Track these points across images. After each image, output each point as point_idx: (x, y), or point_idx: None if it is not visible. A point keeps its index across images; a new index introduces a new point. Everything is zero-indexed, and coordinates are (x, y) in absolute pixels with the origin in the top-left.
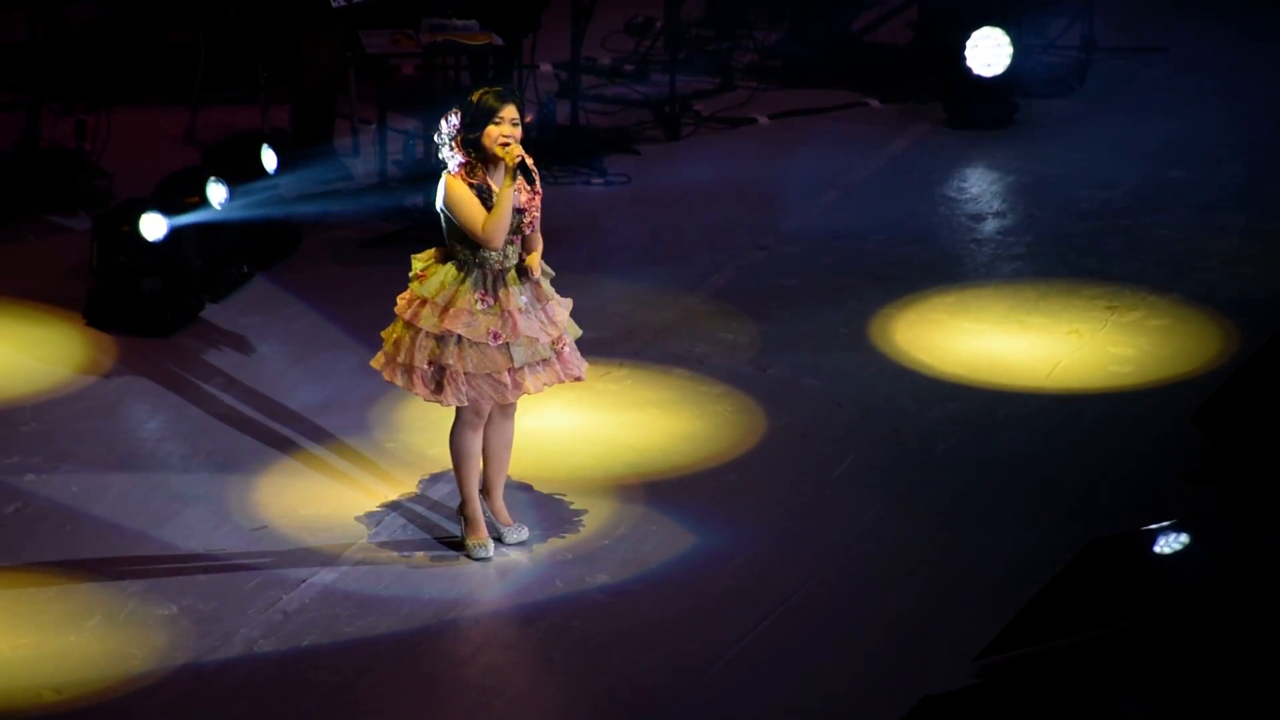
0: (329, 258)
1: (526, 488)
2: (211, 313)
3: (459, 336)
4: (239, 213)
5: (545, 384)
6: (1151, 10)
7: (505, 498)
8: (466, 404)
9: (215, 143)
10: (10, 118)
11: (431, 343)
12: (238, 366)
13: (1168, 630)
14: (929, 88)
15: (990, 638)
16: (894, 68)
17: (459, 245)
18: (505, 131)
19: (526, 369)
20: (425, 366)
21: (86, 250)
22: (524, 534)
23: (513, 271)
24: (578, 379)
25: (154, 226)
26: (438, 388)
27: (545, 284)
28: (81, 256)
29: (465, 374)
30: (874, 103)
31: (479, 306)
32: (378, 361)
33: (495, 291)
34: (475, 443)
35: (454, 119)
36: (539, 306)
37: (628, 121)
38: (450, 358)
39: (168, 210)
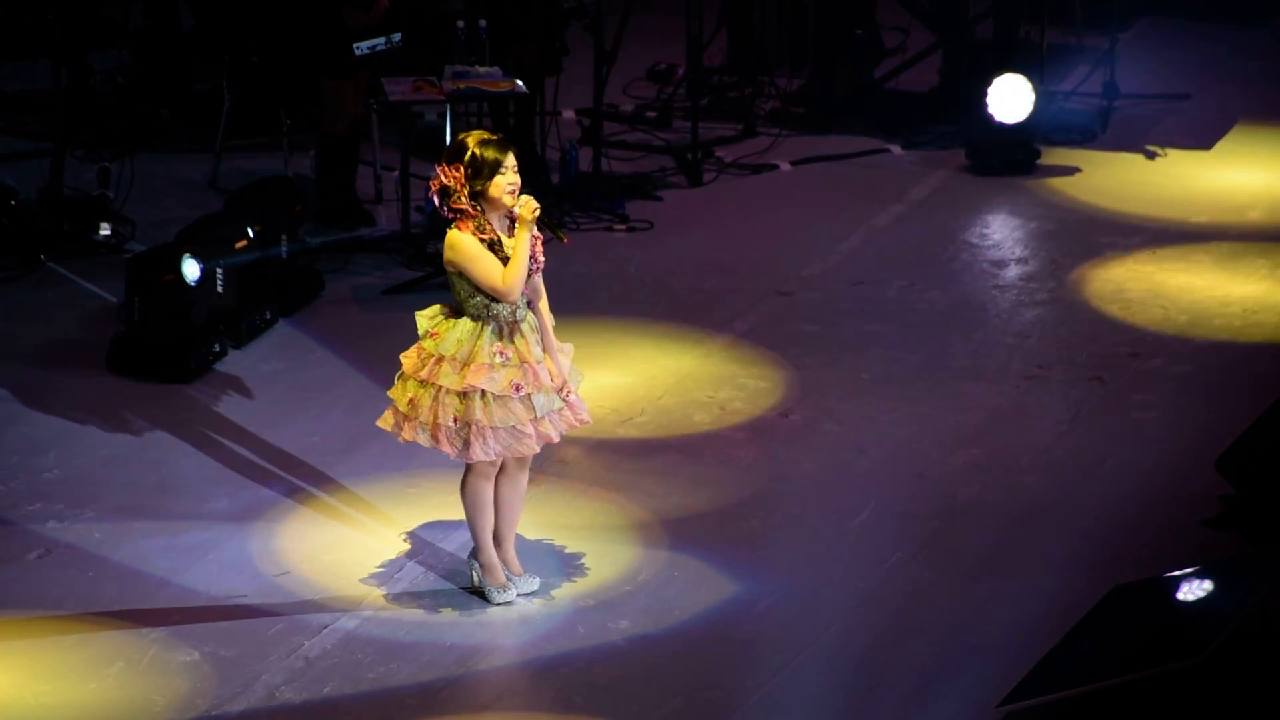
0: (351, 304)
1: (548, 533)
2: (234, 358)
3: (483, 391)
4: (270, 256)
5: (560, 431)
6: (1174, 58)
7: (524, 544)
8: (494, 458)
9: (238, 189)
10: (34, 165)
11: (455, 400)
12: (260, 412)
13: (1190, 677)
14: (951, 134)
15: (1012, 685)
16: (916, 114)
17: (471, 300)
18: (511, 180)
19: (546, 418)
20: (451, 424)
21: (110, 296)
22: (535, 584)
23: (527, 322)
24: (585, 423)
25: (189, 271)
26: (465, 445)
27: (551, 333)
28: (104, 303)
29: (491, 428)
30: (896, 149)
31: (498, 360)
32: (386, 422)
33: (512, 343)
34: (487, 492)
35: (449, 172)
36: (549, 355)
37: (650, 168)
38: (477, 413)
39: (201, 255)
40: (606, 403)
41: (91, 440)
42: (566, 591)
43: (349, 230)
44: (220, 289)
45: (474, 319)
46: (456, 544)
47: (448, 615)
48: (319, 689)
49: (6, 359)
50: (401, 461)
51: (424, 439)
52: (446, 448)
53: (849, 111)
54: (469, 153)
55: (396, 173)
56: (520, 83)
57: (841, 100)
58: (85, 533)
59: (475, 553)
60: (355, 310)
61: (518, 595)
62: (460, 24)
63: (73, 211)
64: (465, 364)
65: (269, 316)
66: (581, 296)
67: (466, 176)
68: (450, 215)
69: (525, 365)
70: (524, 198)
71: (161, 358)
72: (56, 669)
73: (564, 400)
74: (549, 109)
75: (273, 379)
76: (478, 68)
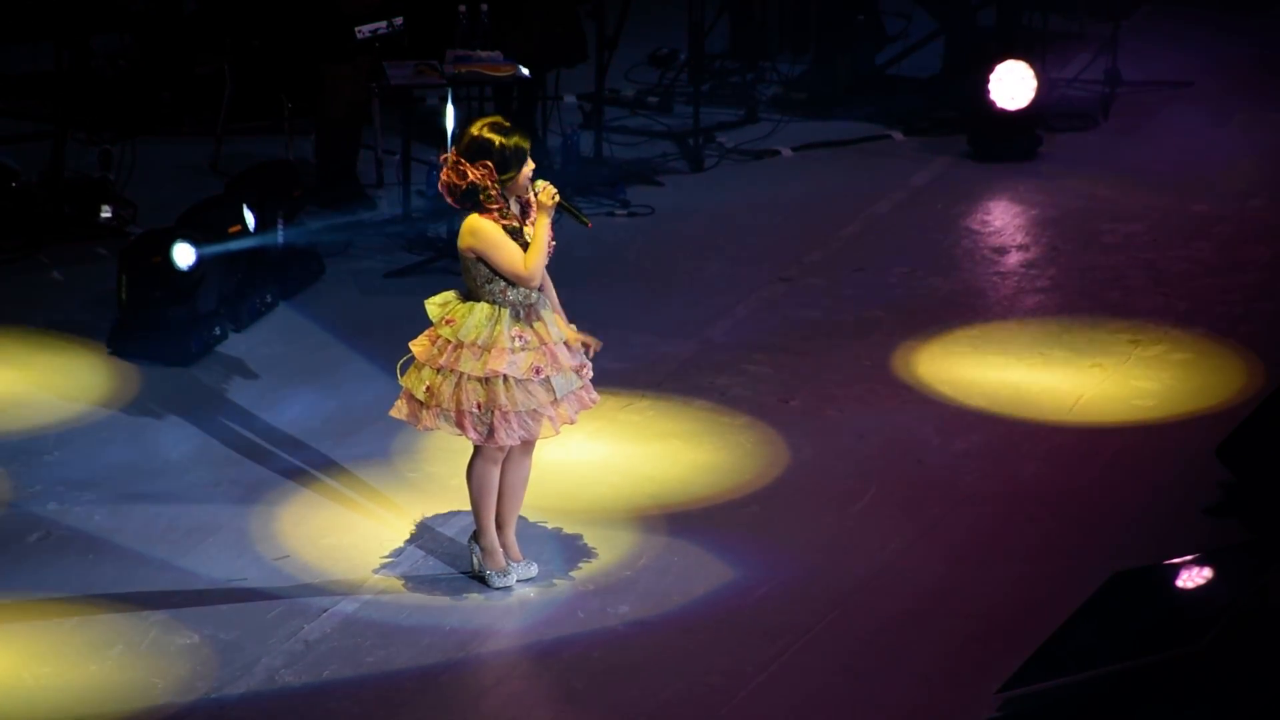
0: (352, 288)
1: (549, 518)
2: (235, 342)
3: (505, 377)
4: (267, 240)
5: (576, 412)
6: (1176, 45)
7: (524, 529)
8: (519, 442)
9: (239, 172)
10: (36, 147)
11: (477, 385)
12: (260, 396)
13: (1190, 664)
14: (953, 120)
15: (1012, 670)
16: (918, 100)
17: (487, 285)
18: (532, 165)
19: (564, 400)
20: (475, 410)
21: (110, 280)
22: (533, 570)
23: (542, 303)
24: (595, 401)
25: (184, 256)
26: (489, 430)
27: (562, 315)
28: (105, 286)
29: (515, 413)
30: (897, 135)
31: (517, 344)
32: (400, 411)
33: (531, 326)
34: (495, 476)
35: (475, 162)
36: (567, 328)
37: (651, 153)
38: (501, 398)
39: (195, 240)
40: (607, 388)
41: (92, 423)
42: (566, 577)
43: (350, 214)
44: (213, 273)
45: (491, 304)
46: (457, 528)
47: (448, 599)
48: (319, 672)
49: (7, 341)
50: (403, 444)
51: (447, 426)
52: (472, 434)
53: (851, 97)
54: (495, 149)
55: (398, 156)
56: (523, 68)
57: (843, 86)
58: (85, 515)
59: (477, 536)
60: (356, 294)
61: (517, 581)
62: (462, 8)
63: (74, 194)
64: (486, 350)
65: (270, 300)
66: (582, 281)
67: (496, 173)
68: (467, 207)
69: (544, 347)
70: (541, 183)
71: (162, 341)
72: (56, 651)
73: (582, 379)
74: (550, 94)
75: (273, 362)
76: (479, 52)
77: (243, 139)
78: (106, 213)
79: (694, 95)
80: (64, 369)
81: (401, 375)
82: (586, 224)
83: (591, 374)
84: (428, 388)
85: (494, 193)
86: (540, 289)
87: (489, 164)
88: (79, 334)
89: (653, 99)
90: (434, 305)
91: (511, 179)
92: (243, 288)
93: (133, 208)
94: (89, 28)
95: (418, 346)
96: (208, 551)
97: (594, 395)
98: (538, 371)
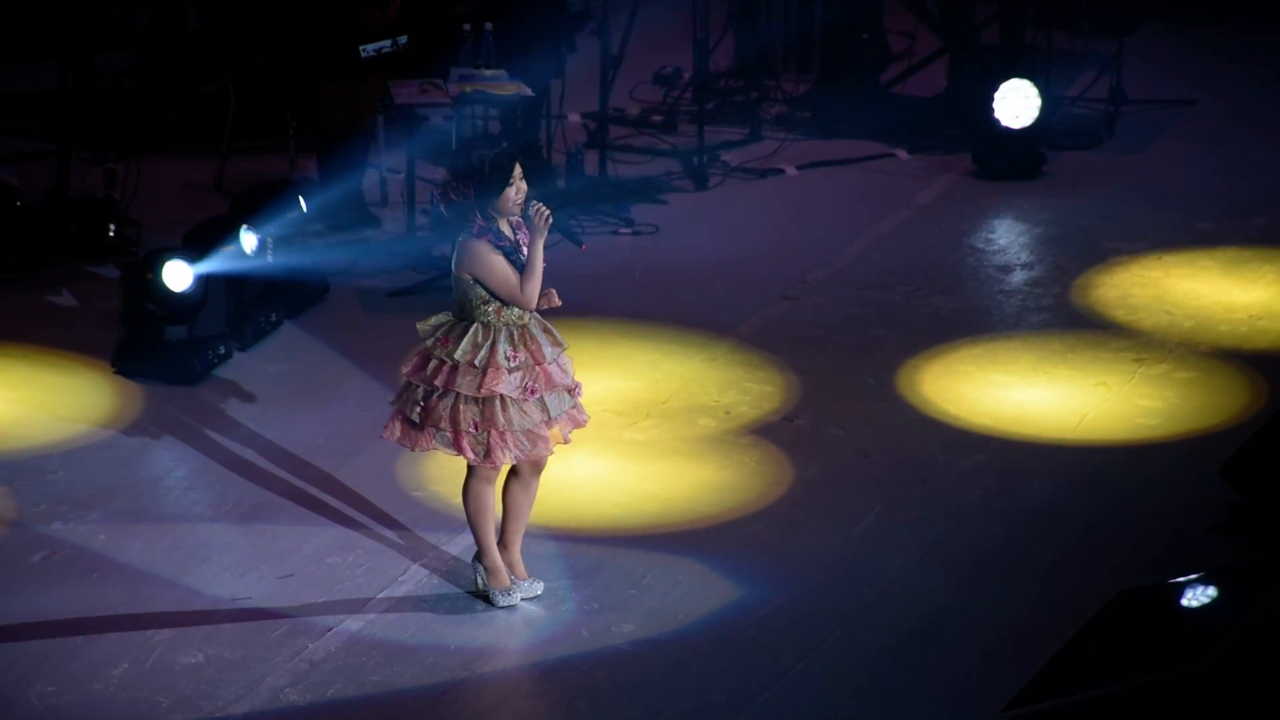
0: (357, 306)
1: (553, 537)
2: (239, 361)
3: (501, 397)
4: (267, 261)
5: (570, 432)
6: (1180, 63)
7: (529, 547)
8: (513, 462)
9: (243, 191)
10: (40, 166)
11: (474, 406)
12: (265, 415)
13: (1195, 683)
14: (957, 139)
15: (1017, 689)
16: (922, 119)
17: (484, 306)
18: (519, 189)
19: (557, 420)
20: (472, 430)
21: (115, 298)
22: (538, 588)
23: (535, 323)
24: (585, 421)
25: (179, 275)
26: (486, 450)
27: (556, 333)
28: (110, 305)
29: (510, 433)
30: (902, 154)
31: (511, 364)
32: (392, 433)
33: (524, 347)
34: (489, 495)
35: (459, 184)
36: (557, 354)
37: (656, 172)
38: (498, 419)
39: (195, 259)
40: (611, 407)
41: (97, 442)
42: (571, 595)
43: (354, 233)
44: (216, 292)
45: (485, 324)
46: (461, 547)
47: (452, 618)
48: (323, 691)
49: (13, 360)
50: (407, 464)
51: (444, 447)
52: (469, 454)
53: (855, 116)
54: (476, 168)
55: (402, 175)
56: (526, 87)
57: (847, 105)
58: (90, 534)
59: (479, 556)
60: (360, 313)
61: (521, 599)
62: (466, 26)
63: (79, 213)
64: (483, 371)
65: (274, 319)
66: (586, 301)
67: (476, 192)
68: (460, 224)
69: (537, 367)
70: (536, 205)
71: (166, 360)
72: (61, 670)
73: (574, 398)
74: (555, 113)
75: (278, 381)
76: (484, 70)
77: (247, 157)
78: (111, 232)
79: (698, 114)
80: (68, 388)
81: (394, 399)
82: (581, 246)
83: (582, 394)
84: (421, 409)
85: (475, 213)
86: (534, 309)
87: (469, 184)
88: (83, 353)
89: (657, 117)
90: (427, 326)
91: (495, 199)
92: (247, 307)
93: (138, 227)
94: (93, 46)
95: (408, 367)
96: (212, 570)
97: (584, 415)
98: (531, 391)
